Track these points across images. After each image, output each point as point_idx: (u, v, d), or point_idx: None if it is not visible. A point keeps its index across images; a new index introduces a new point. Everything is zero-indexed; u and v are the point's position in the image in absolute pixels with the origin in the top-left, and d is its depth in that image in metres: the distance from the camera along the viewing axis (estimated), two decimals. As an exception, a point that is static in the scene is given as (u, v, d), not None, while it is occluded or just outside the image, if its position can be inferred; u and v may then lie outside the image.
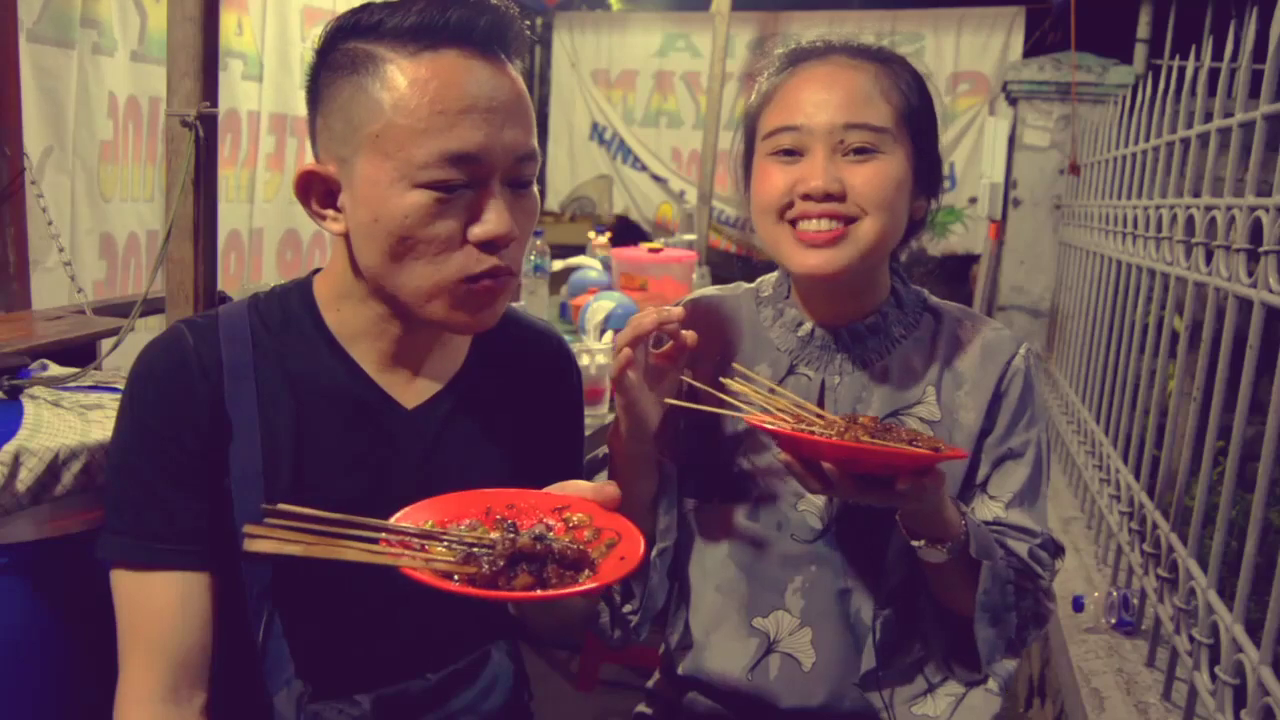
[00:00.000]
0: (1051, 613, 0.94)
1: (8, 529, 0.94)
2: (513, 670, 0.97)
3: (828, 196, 0.85)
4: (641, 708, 1.09)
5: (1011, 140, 3.95)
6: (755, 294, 1.03)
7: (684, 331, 0.87)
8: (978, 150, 4.40)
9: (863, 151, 0.86)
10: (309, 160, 0.83)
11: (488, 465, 0.90)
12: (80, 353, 1.37)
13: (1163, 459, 1.74)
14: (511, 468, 0.91)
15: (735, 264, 4.93)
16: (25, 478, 0.94)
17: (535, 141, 0.81)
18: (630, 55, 5.17)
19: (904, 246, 0.97)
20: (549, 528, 0.72)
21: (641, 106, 5.18)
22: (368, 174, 0.76)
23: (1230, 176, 1.43)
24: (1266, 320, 1.27)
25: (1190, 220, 1.62)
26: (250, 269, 3.05)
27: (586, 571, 0.66)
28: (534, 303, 2.47)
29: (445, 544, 0.67)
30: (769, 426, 0.80)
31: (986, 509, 0.94)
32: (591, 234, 3.09)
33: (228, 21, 2.76)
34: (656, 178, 5.17)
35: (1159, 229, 1.86)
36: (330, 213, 0.81)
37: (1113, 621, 1.82)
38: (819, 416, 0.83)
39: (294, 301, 0.87)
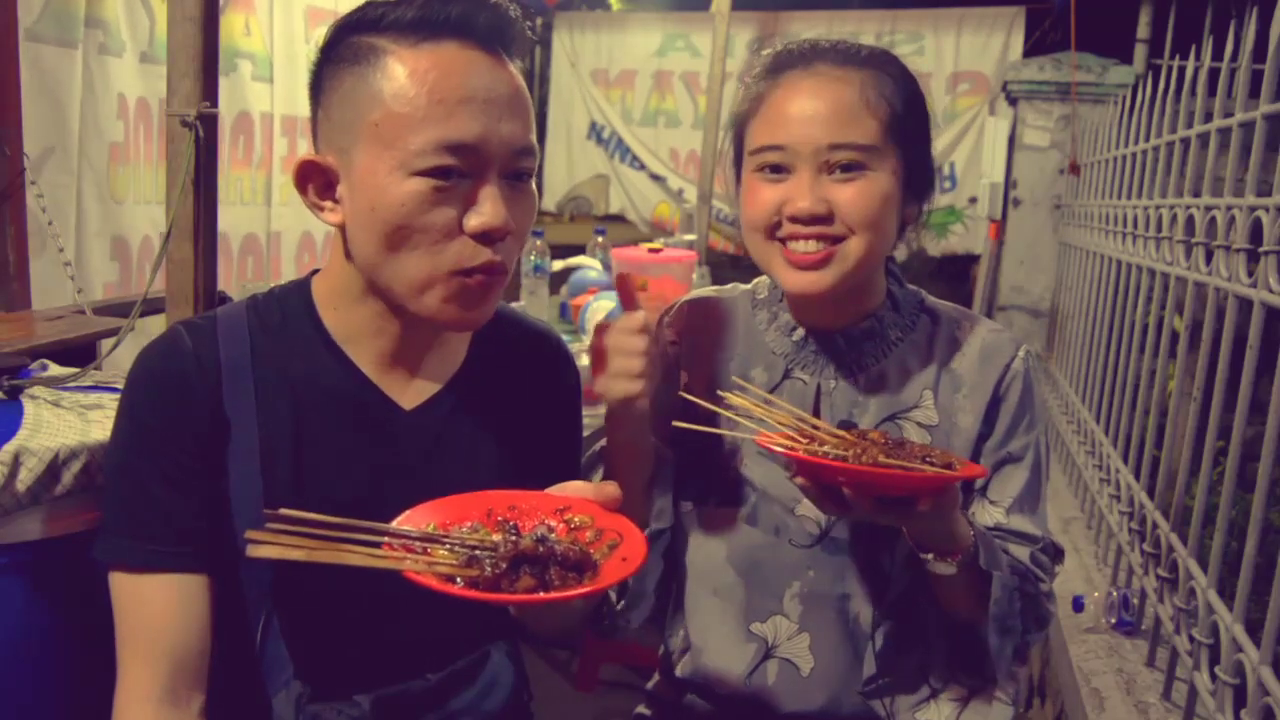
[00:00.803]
0: (1053, 615, 0.94)
1: (8, 529, 0.94)
2: (512, 671, 0.97)
3: (814, 218, 0.85)
4: (641, 709, 1.09)
5: (1011, 140, 3.95)
6: (751, 295, 1.02)
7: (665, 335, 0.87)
8: (978, 150, 4.40)
9: (849, 169, 0.86)
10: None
11: (486, 466, 0.90)
12: (80, 353, 1.37)
13: (1163, 459, 1.74)
14: (510, 468, 0.91)
15: (735, 264, 4.93)
16: (25, 478, 0.94)
17: (534, 137, 0.81)
18: (630, 55, 5.17)
19: (896, 246, 0.96)
20: (550, 529, 0.72)
21: (640, 106, 5.18)
22: (366, 163, 0.77)
23: (1230, 176, 1.43)
24: (1266, 320, 1.27)
25: (1190, 220, 1.62)
26: (269, 272, 3.05)
27: (589, 573, 0.66)
28: (534, 303, 2.47)
29: (447, 547, 0.67)
30: (780, 449, 0.78)
31: (987, 514, 0.94)
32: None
33: (235, 22, 2.75)
34: (654, 177, 5.17)
35: (1159, 229, 1.86)
36: (328, 203, 0.81)
37: (1113, 621, 1.82)
38: (829, 433, 0.82)
39: (292, 302, 0.87)
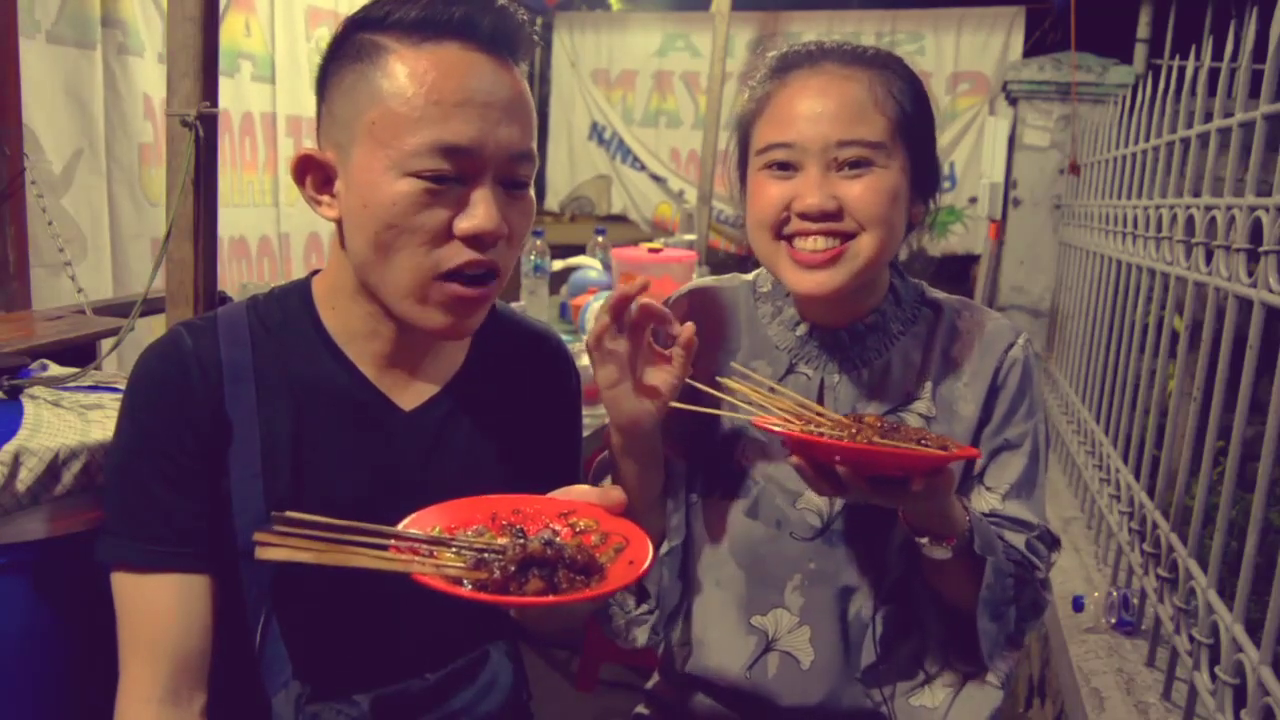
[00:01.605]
0: (1048, 603, 0.94)
1: (8, 529, 0.94)
2: (512, 670, 0.97)
3: (824, 215, 0.85)
4: (640, 709, 1.09)
5: (1011, 140, 3.95)
6: (752, 287, 1.02)
7: (684, 333, 0.86)
8: (978, 150, 4.39)
9: (858, 166, 0.86)
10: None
11: (486, 467, 0.90)
12: (80, 352, 1.37)
13: (1163, 459, 1.74)
14: (510, 469, 0.91)
15: (735, 264, 4.93)
16: (25, 477, 0.94)
17: (533, 144, 0.81)
18: (630, 55, 5.17)
19: (901, 246, 0.96)
20: (555, 533, 0.72)
21: (641, 106, 5.18)
22: (362, 160, 0.77)
23: (1230, 176, 1.43)
24: (1266, 320, 1.27)
25: (1190, 220, 1.62)
26: (283, 275, 3.04)
27: (596, 576, 0.66)
28: (534, 303, 2.47)
29: (454, 550, 0.67)
30: (777, 429, 0.79)
31: (983, 500, 0.94)
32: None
33: (236, 23, 2.75)
34: (655, 177, 5.16)
35: (1159, 229, 1.86)
36: (325, 198, 0.81)
37: (1113, 621, 1.82)
38: (822, 415, 0.83)
39: (292, 302, 0.87)
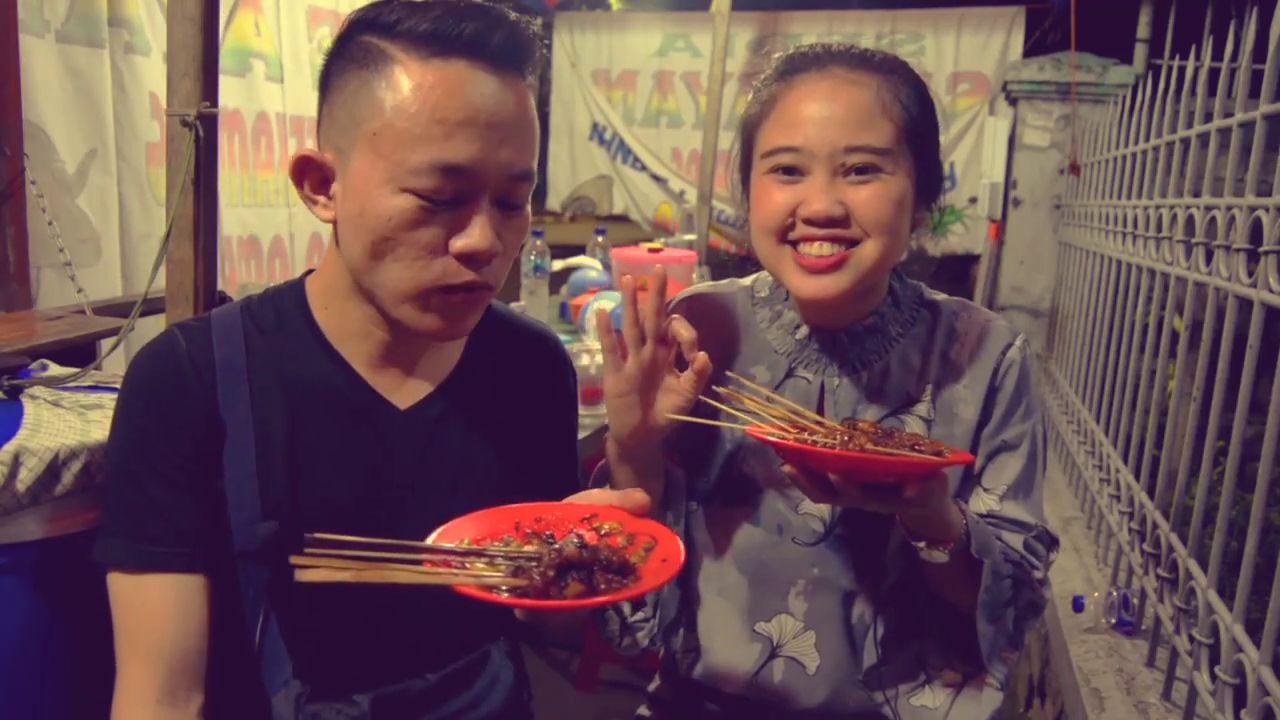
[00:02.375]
0: (1046, 602, 0.94)
1: (8, 529, 0.94)
2: (512, 670, 0.96)
3: (830, 220, 0.85)
4: (643, 710, 1.09)
5: (1011, 140, 3.95)
6: (750, 292, 1.02)
7: (699, 356, 0.85)
8: (978, 150, 4.39)
9: (865, 171, 0.85)
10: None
11: (481, 465, 0.90)
12: (80, 353, 1.37)
13: (1163, 459, 1.74)
14: (505, 468, 0.91)
15: (735, 264, 4.93)
16: (25, 477, 0.94)
17: (533, 163, 0.81)
18: (630, 55, 5.17)
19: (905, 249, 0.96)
20: (581, 537, 0.72)
21: (641, 106, 5.18)
22: (360, 169, 0.77)
23: (1230, 176, 1.43)
24: (1266, 320, 1.27)
25: (1190, 220, 1.62)
26: (293, 274, 3.04)
27: (630, 576, 0.67)
28: (534, 303, 2.47)
29: (488, 559, 0.68)
30: (771, 439, 0.79)
31: (981, 501, 0.94)
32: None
33: (246, 23, 2.75)
34: (656, 178, 5.16)
35: (1159, 229, 1.86)
36: (322, 199, 0.81)
37: (1113, 621, 1.82)
38: (818, 424, 0.82)
39: (287, 302, 0.87)
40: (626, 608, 0.96)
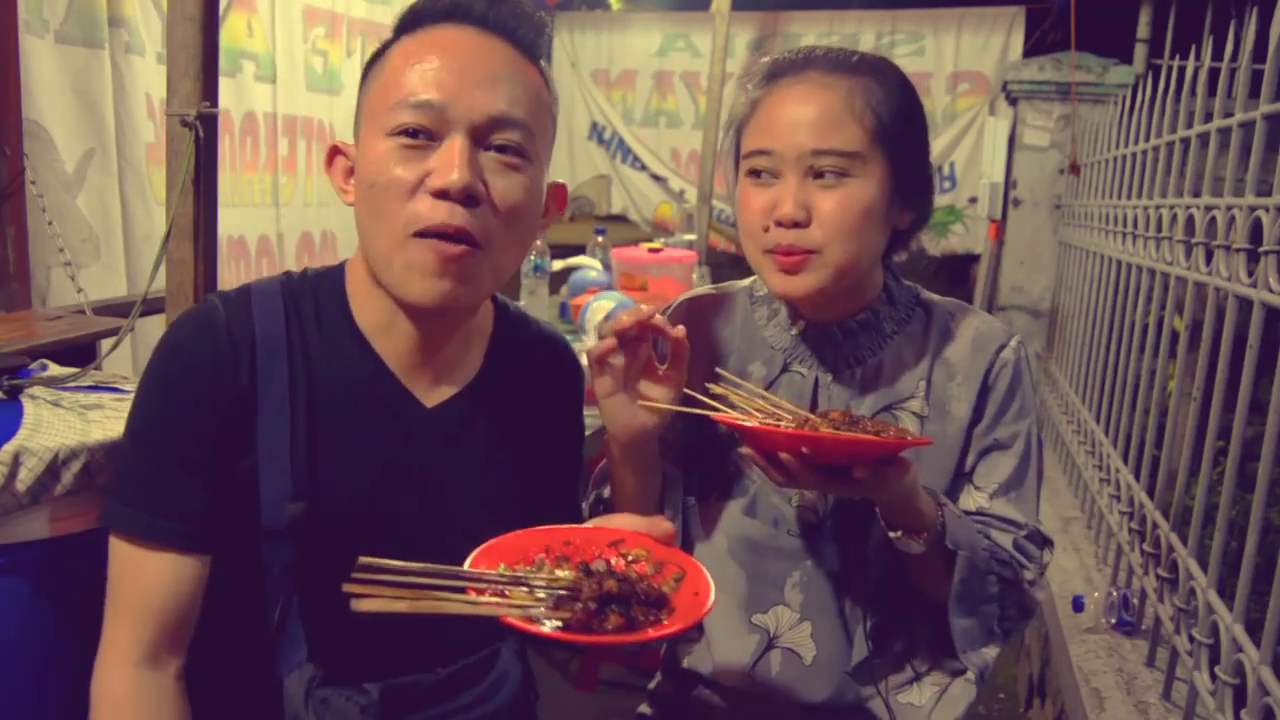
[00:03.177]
0: (1038, 604, 0.94)
1: (7, 529, 0.94)
2: (520, 669, 0.97)
3: (795, 223, 0.87)
4: (643, 708, 1.09)
5: (1011, 140, 3.95)
6: (749, 293, 1.03)
7: (675, 330, 0.87)
8: (978, 150, 4.40)
9: (833, 175, 0.87)
10: (316, 161, 0.86)
11: (500, 466, 0.91)
12: (80, 353, 1.37)
13: (1163, 459, 1.74)
14: (522, 468, 0.92)
15: (735, 264, 4.93)
16: (25, 478, 0.94)
17: (519, 113, 0.79)
18: (630, 55, 5.17)
19: (896, 251, 0.97)
20: (609, 564, 0.73)
21: (641, 106, 5.19)
22: (363, 138, 0.81)
23: (1230, 176, 1.44)
24: (1266, 320, 1.27)
25: (1190, 220, 1.62)
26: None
27: (665, 610, 0.68)
28: (534, 303, 2.47)
29: (529, 588, 0.68)
30: (736, 422, 0.81)
31: (971, 499, 0.95)
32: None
33: (238, 23, 2.75)
34: (656, 177, 5.17)
35: (1159, 229, 1.86)
36: (348, 186, 0.85)
37: (1113, 621, 1.82)
38: (790, 412, 0.84)
39: (326, 288, 0.87)
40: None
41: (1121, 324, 2.18)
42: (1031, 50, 4.32)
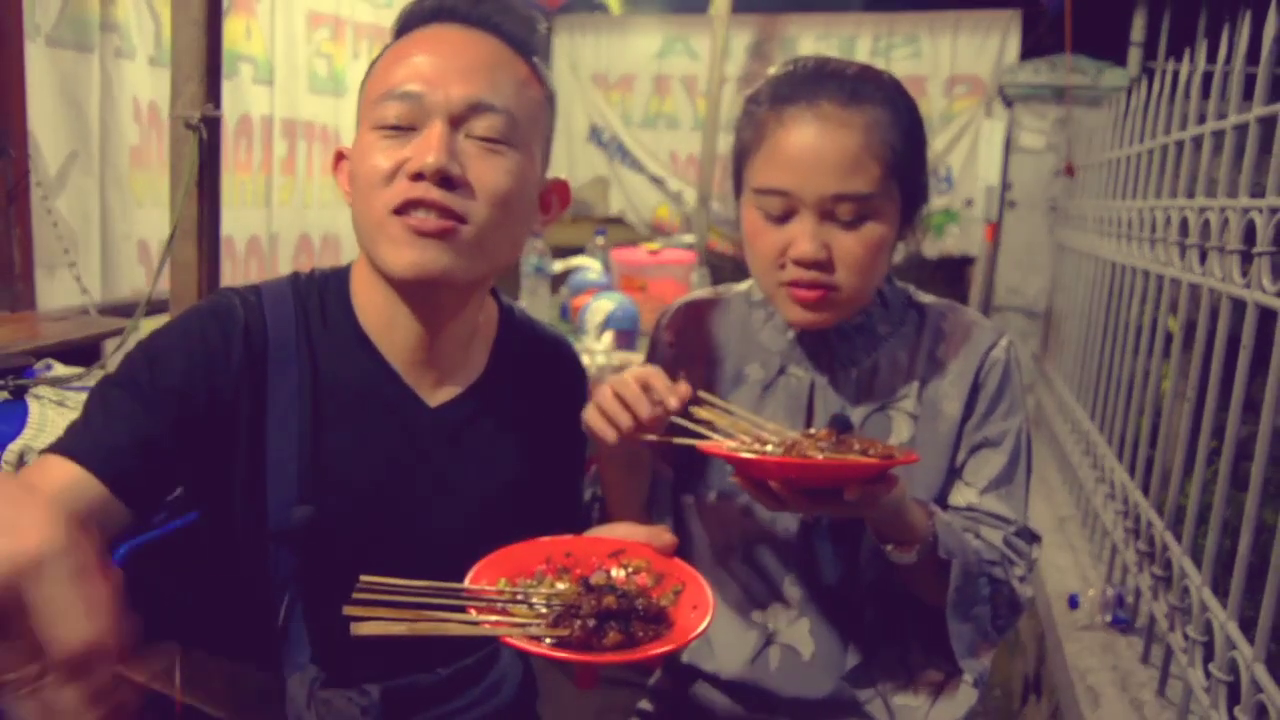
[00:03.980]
0: (1027, 600, 0.95)
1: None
2: (521, 669, 0.98)
3: (815, 264, 0.88)
4: (644, 704, 1.10)
5: (1007, 143, 3.97)
6: (746, 296, 1.04)
7: (679, 388, 0.84)
8: (974, 153, 4.41)
9: (853, 215, 0.88)
10: (319, 163, 0.86)
11: (503, 468, 0.91)
12: (85, 353, 1.38)
13: (1157, 458, 1.75)
14: (524, 471, 0.92)
15: (735, 265, 4.94)
16: (32, 476, 0.94)
17: (497, 99, 0.80)
18: (629, 58, 5.18)
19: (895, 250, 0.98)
20: (609, 575, 0.74)
21: (640, 109, 5.19)
22: (356, 137, 0.84)
23: (1224, 178, 1.45)
24: (1260, 321, 1.29)
25: (1184, 222, 1.64)
26: (271, 275, 3.04)
27: (664, 624, 0.68)
28: (534, 303, 2.48)
29: (529, 605, 0.69)
30: (722, 452, 0.80)
31: (961, 494, 0.96)
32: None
33: (236, 26, 2.76)
34: (654, 179, 5.17)
35: (1154, 230, 1.87)
36: (350, 187, 0.86)
37: (1108, 619, 1.83)
38: (775, 433, 0.84)
39: (332, 289, 0.88)
40: None
41: (1116, 325, 2.20)
42: (1027, 53, 4.33)
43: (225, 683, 0.82)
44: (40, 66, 2.03)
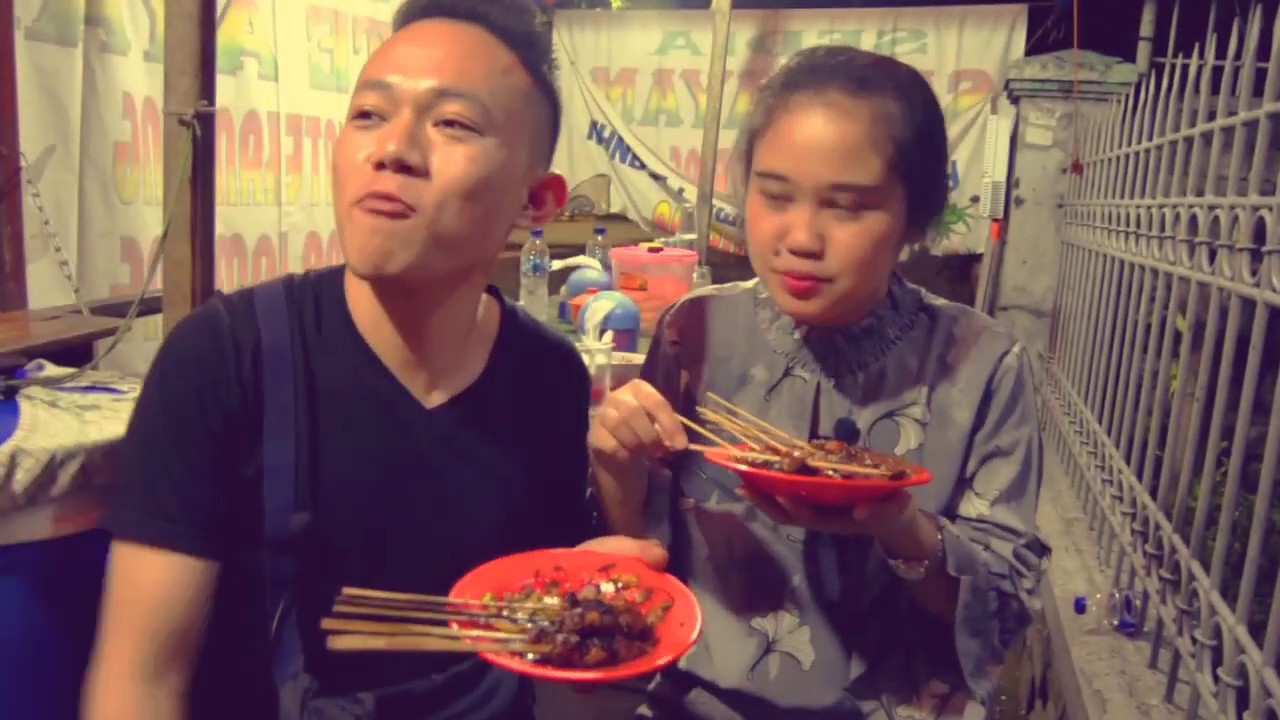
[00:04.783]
0: (1035, 613, 0.94)
1: (4, 530, 0.93)
2: (517, 675, 0.96)
3: (808, 253, 0.86)
4: (643, 709, 1.09)
5: (1014, 139, 3.94)
6: (753, 295, 1.02)
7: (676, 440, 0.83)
8: (980, 149, 4.38)
9: (850, 207, 0.86)
10: (324, 160, 0.86)
11: (502, 470, 0.90)
12: (77, 353, 1.37)
13: (1165, 460, 1.73)
14: (524, 474, 0.91)
15: (735, 263, 4.93)
16: (22, 478, 0.94)
17: (470, 86, 0.78)
18: (630, 53, 5.16)
19: (901, 251, 0.96)
20: (598, 589, 0.73)
21: (641, 105, 5.17)
22: None
23: (1233, 175, 1.43)
24: (1269, 320, 1.27)
25: (1193, 219, 1.61)
26: (280, 274, 3.03)
27: (650, 640, 0.67)
28: (534, 303, 2.47)
29: (513, 620, 0.68)
30: (731, 465, 0.79)
31: (971, 505, 0.94)
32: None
33: (238, 20, 2.74)
34: (655, 176, 5.15)
35: (1162, 228, 1.85)
36: None
37: (1115, 623, 1.82)
38: (785, 443, 0.82)
39: (325, 290, 0.87)
40: None
41: (1124, 324, 2.18)
42: (1034, 48, 4.30)
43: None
44: (18, 60, 2.01)
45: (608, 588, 0.74)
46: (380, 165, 0.76)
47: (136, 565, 0.78)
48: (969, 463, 0.94)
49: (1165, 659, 1.59)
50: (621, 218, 5.25)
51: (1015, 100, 3.99)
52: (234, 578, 0.81)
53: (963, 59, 4.53)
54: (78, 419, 1.02)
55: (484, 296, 0.92)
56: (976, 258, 4.47)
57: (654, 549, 0.77)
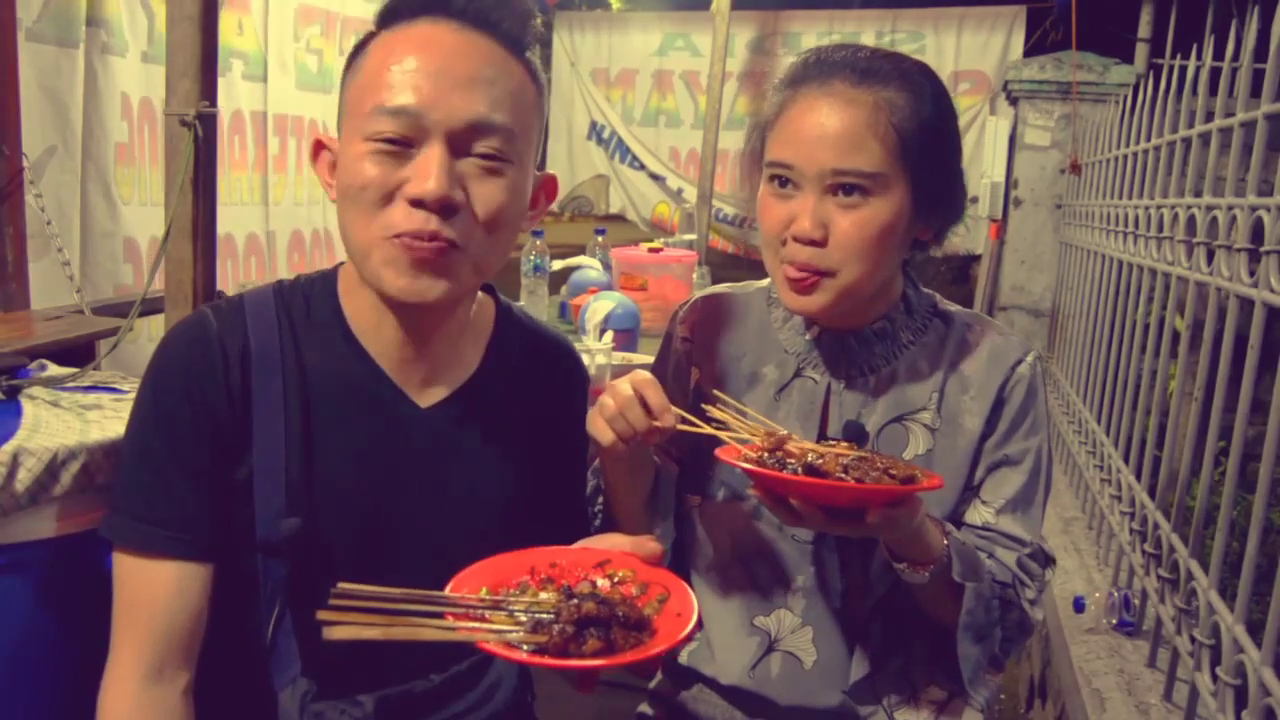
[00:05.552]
0: (1037, 623, 0.94)
1: (6, 529, 0.93)
2: (516, 672, 0.96)
3: (811, 241, 0.86)
4: (644, 708, 1.09)
5: (1012, 140, 3.95)
6: (767, 294, 1.02)
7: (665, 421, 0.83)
8: (979, 150, 4.39)
9: (852, 193, 0.86)
10: (308, 160, 0.84)
11: (498, 469, 0.90)
12: (79, 353, 1.37)
13: (1164, 459, 1.74)
14: (520, 474, 0.91)
15: (735, 264, 4.93)
16: (24, 478, 0.94)
17: (500, 117, 0.78)
18: (630, 54, 5.17)
19: (914, 255, 0.96)
20: (594, 585, 0.73)
21: (640, 106, 5.18)
22: (344, 136, 0.81)
23: (1231, 176, 1.43)
24: (1267, 320, 1.27)
25: (1191, 220, 1.62)
26: (271, 273, 3.04)
27: (646, 631, 0.67)
28: (534, 303, 2.47)
29: (509, 612, 0.68)
30: (738, 464, 0.79)
31: (978, 513, 0.94)
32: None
33: (228, 21, 2.74)
34: (654, 176, 5.16)
35: (1160, 229, 1.85)
36: (332, 181, 0.84)
37: (1114, 622, 1.82)
38: (797, 445, 0.82)
39: (317, 291, 0.87)
40: None
41: (1122, 324, 2.18)
42: (1032, 49, 4.31)
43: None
44: (19, 61, 2.01)
45: (603, 583, 0.75)
46: (418, 203, 0.75)
47: (137, 572, 0.79)
48: (977, 470, 0.94)
49: (1164, 658, 1.60)
50: (621, 218, 5.26)
51: (1014, 101, 4.00)
52: (230, 582, 0.81)
53: (961, 60, 4.54)
54: (80, 419, 1.02)
55: (479, 294, 0.92)
56: (975, 258, 4.48)
57: (649, 544, 0.77)
